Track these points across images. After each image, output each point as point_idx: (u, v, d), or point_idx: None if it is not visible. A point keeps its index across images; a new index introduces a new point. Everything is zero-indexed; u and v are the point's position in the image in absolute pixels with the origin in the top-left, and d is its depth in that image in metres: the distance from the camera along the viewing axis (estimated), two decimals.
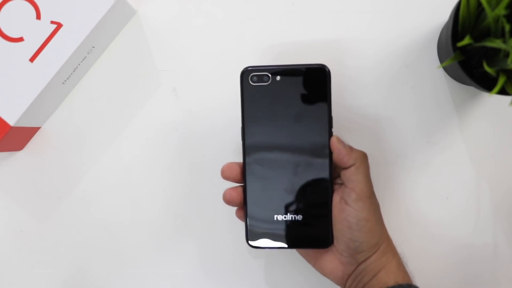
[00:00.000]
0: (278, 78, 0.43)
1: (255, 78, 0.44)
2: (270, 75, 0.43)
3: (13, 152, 0.53)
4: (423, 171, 0.50)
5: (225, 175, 0.44)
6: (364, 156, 0.43)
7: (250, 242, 0.44)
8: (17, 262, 0.53)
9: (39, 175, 0.53)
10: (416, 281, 0.42)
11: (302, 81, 0.43)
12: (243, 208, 0.45)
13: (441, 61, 0.49)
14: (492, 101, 0.50)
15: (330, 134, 0.43)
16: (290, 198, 0.44)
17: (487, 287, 0.50)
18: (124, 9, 0.50)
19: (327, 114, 0.43)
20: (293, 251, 0.48)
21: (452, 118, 0.50)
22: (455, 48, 0.42)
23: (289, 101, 0.43)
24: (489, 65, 0.39)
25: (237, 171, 0.44)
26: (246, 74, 0.44)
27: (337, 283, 0.44)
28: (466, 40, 0.38)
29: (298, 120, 0.43)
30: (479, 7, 0.40)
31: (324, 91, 0.43)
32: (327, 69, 0.43)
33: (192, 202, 0.52)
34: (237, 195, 0.44)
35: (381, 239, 0.42)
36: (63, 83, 0.50)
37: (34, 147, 0.53)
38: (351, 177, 0.42)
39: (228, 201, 0.44)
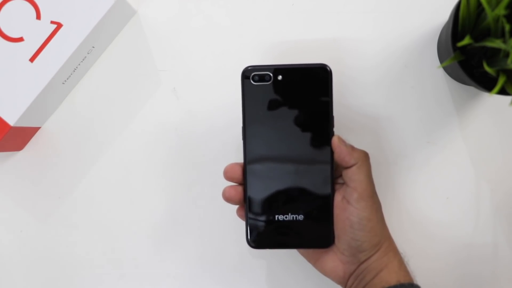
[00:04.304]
0: (279, 77, 0.43)
1: (256, 77, 0.43)
2: (271, 75, 0.43)
3: (13, 152, 0.53)
4: (423, 171, 0.50)
5: (228, 176, 0.44)
6: (365, 156, 0.43)
7: (251, 242, 0.44)
8: (17, 262, 0.53)
9: (39, 175, 0.53)
10: (416, 280, 0.42)
11: (303, 81, 0.43)
12: (243, 206, 0.45)
13: (441, 61, 0.49)
14: (492, 101, 0.50)
15: (332, 133, 0.43)
16: (291, 198, 0.44)
17: (487, 287, 0.50)
18: (124, 9, 0.50)
19: (329, 113, 0.43)
20: (294, 250, 0.48)
21: (452, 118, 0.50)
22: (455, 48, 0.42)
23: (290, 100, 0.43)
24: (489, 65, 0.39)
25: (240, 172, 0.44)
26: (247, 73, 0.44)
27: (338, 283, 0.44)
28: (466, 40, 0.38)
29: (300, 119, 0.43)
30: (479, 7, 0.40)
31: (326, 91, 0.43)
32: (328, 69, 0.43)
33: (192, 202, 0.52)
34: (236, 193, 0.44)
35: (383, 238, 0.42)
36: (63, 83, 0.50)
37: (34, 147, 0.53)
38: (353, 176, 0.42)
39: (227, 198, 0.44)
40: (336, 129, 0.44)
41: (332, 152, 0.43)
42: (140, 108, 0.53)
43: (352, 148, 0.42)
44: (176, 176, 0.52)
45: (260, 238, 0.44)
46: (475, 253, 0.50)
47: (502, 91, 0.40)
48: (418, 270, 0.44)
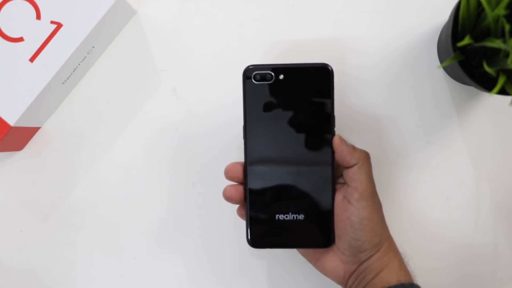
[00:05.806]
0: (281, 76, 0.43)
1: (258, 76, 0.43)
2: (273, 74, 0.43)
3: (13, 152, 0.53)
4: (423, 171, 0.50)
5: (229, 175, 0.44)
6: (366, 156, 0.43)
7: (251, 242, 0.44)
8: (17, 262, 0.53)
9: (39, 175, 0.53)
10: (416, 280, 0.42)
11: (305, 80, 0.43)
12: (243, 206, 0.45)
13: (441, 61, 0.49)
14: (492, 101, 0.50)
15: (333, 133, 0.43)
16: (292, 197, 0.44)
17: (487, 287, 0.50)
18: (124, 9, 0.50)
19: (330, 113, 0.43)
20: (294, 250, 0.48)
21: (452, 118, 0.50)
22: (455, 48, 0.42)
23: (291, 100, 0.43)
24: (489, 65, 0.39)
25: (241, 171, 0.44)
26: (248, 72, 0.44)
27: (338, 283, 0.44)
28: (466, 40, 0.38)
29: (301, 119, 0.43)
30: (479, 7, 0.40)
31: (327, 91, 0.43)
32: (330, 69, 0.43)
33: (192, 202, 0.52)
34: (237, 192, 0.44)
35: (383, 238, 0.42)
36: (63, 83, 0.50)
37: (34, 147, 0.53)
38: (354, 176, 0.42)
39: (227, 197, 0.44)
40: (336, 129, 0.44)
41: (333, 152, 0.43)
42: (140, 108, 0.53)
43: (353, 148, 0.42)
44: (176, 176, 0.52)
45: (261, 238, 0.44)
46: (475, 253, 0.50)
47: (502, 91, 0.40)
48: (418, 270, 0.44)
